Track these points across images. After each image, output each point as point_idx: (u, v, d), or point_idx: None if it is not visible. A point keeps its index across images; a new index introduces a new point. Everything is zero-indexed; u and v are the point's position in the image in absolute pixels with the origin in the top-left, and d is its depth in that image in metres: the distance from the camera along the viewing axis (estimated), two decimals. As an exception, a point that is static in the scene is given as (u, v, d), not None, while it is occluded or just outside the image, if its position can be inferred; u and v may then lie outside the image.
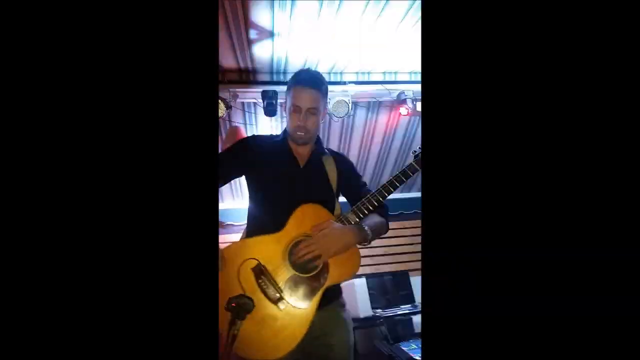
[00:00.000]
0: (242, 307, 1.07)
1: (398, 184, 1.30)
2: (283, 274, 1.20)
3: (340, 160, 1.49)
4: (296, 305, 1.19)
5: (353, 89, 3.11)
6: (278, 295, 1.18)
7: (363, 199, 1.30)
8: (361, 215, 1.30)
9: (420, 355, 2.42)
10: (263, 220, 1.32)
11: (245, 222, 1.41)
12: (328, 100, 3.15)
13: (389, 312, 3.13)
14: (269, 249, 1.21)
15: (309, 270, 1.23)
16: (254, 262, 1.18)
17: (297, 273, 1.21)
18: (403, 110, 3.16)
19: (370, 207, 1.30)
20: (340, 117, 3.14)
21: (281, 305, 1.18)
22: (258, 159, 1.37)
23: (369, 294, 3.20)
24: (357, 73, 3.21)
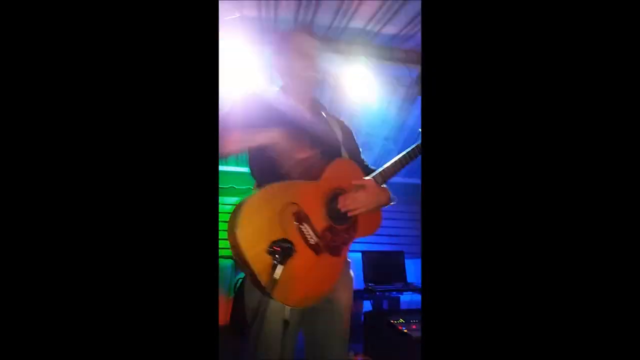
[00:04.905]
0: (285, 251, 1.08)
1: (415, 155, 1.36)
2: (321, 223, 1.24)
3: (339, 121, 1.53)
4: (331, 255, 1.24)
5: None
6: (318, 242, 1.22)
7: (389, 164, 1.35)
8: (386, 179, 1.36)
9: (405, 328, 2.55)
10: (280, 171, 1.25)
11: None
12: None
13: (380, 288, 3.23)
14: (310, 197, 1.24)
15: (344, 222, 1.29)
16: (296, 207, 1.20)
17: (333, 224, 1.26)
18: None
19: (395, 172, 1.36)
20: None
21: (319, 253, 1.22)
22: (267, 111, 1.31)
23: (363, 268, 3.29)
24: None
